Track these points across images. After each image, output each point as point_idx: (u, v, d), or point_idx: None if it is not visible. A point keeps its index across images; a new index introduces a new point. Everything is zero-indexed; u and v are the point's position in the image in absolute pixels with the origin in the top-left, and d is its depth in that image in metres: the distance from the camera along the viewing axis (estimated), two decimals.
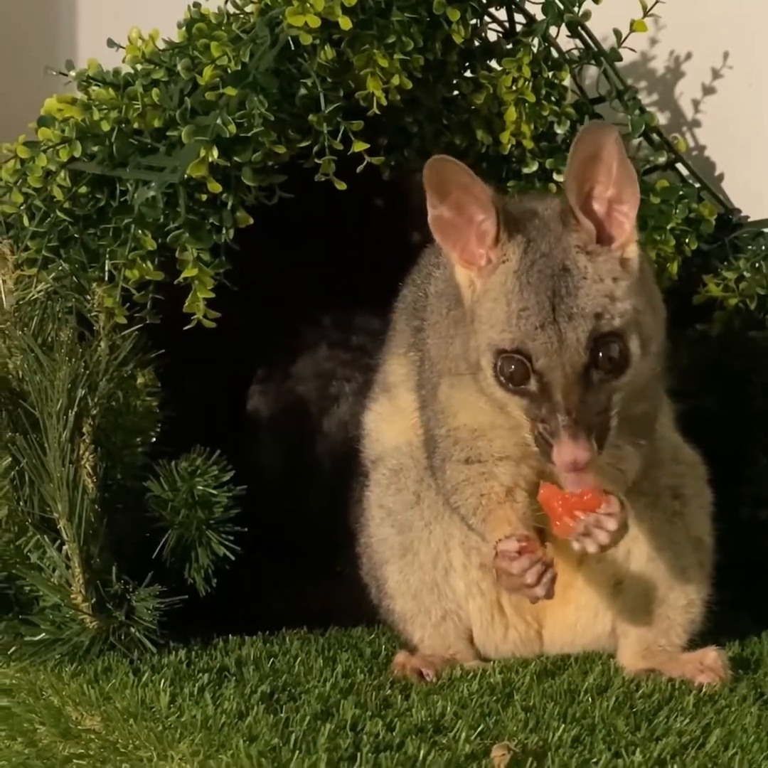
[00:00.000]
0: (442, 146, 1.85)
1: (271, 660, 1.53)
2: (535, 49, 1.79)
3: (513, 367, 1.26)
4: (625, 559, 1.52)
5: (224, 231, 1.57)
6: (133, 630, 1.55)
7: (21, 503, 1.54)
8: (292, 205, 1.68)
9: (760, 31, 2.03)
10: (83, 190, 1.63)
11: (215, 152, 1.49)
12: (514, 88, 1.79)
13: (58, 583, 1.53)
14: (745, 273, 1.89)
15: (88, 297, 1.63)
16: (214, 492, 1.58)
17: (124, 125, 1.56)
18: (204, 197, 1.57)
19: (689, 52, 2.14)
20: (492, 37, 1.90)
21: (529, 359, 1.25)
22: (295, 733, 1.19)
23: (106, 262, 1.58)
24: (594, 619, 1.55)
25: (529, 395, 1.26)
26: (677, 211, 1.88)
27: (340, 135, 1.62)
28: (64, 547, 1.52)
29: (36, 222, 1.63)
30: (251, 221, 1.60)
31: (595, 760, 1.13)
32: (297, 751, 1.12)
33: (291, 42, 1.58)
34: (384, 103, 1.66)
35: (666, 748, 1.16)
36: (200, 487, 1.58)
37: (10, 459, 1.53)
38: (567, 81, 1.90)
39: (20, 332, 1.55)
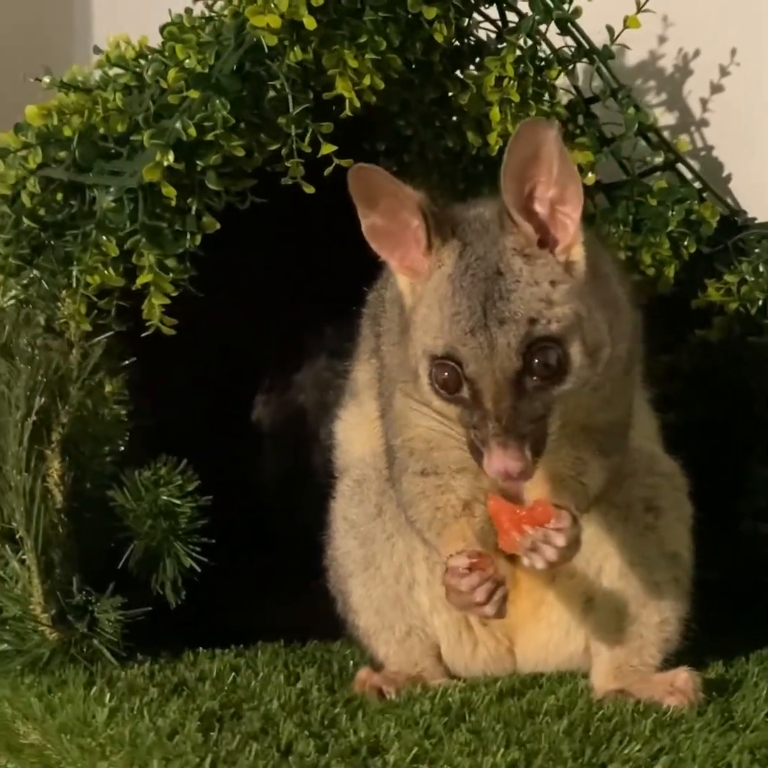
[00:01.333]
0: (441, 149, 1.82)
1: (233, 675, 1.50)
2: (521, 48, 1.73)
3: (446, 373, 1.21)
4: (596, 575, 1.46)
5: (189, 237, 1.53)
6: (95, 642, 1.52)
7: None
8: (294, 214, 1.66)
9: None
10: (58, 196, 1.61)
11: (171, 156, 1.46)
12: (498, 87, 1.73)
13: (20, 594, 1.51)
14: (747, 276, 1.81)
15: (59, 304, 1.61)
16: (178, 502, 1.56)
17: (86, 130, 1.53)
18: (172, 202, 1.54)
19: (698, 50, 2.06)
20: (485, 35, 1.85)
21: (460, 365, 1.20)
22: (220, 753, 1.16)
23: (74, 268, 1.55)
24: (566, 637, 1.49)
25: (462, 403, 1.21)
26: (674, 212, 1.81)
27: (308, 137, 1.58)
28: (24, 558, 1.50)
29: (7, 229, 1.61)
30: (218, 226, 1.57)
31: None
32: None
33: (260, 43, 1.55)
34: (357, 104, 1.62)
35: None
36: (164, 497, 1.55)
37: None
38: (560, 80, 1.85)
39: None
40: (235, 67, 1.54)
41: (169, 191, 1.47)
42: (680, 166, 1.89)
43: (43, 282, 1.60)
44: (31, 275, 1.63)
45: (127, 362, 1.65)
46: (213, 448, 1.99)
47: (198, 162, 1.52)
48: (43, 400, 1.51)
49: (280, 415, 2.17)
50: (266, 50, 1.56)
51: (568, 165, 1.20)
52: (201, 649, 1.63)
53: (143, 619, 1.60)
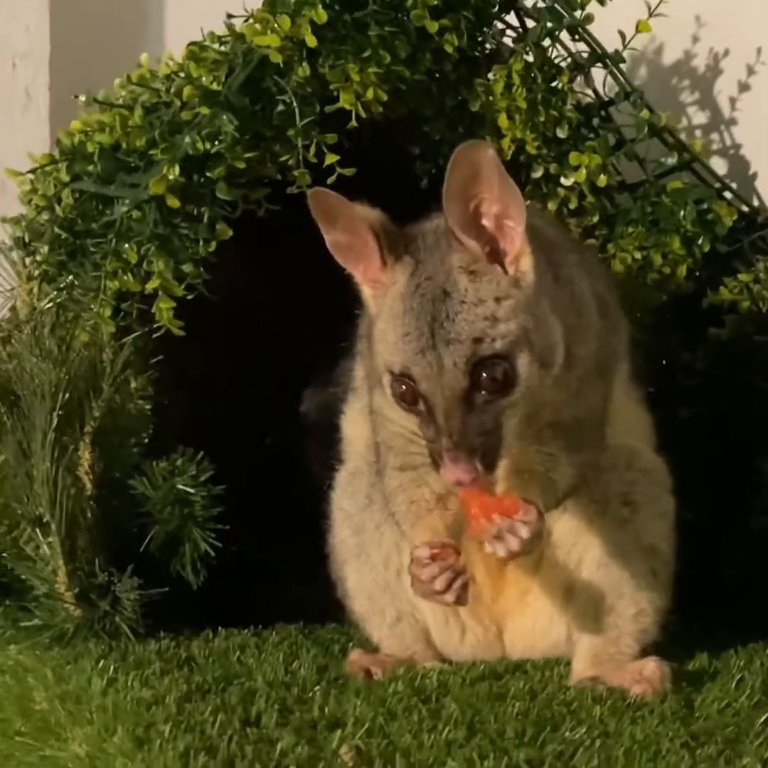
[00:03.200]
0: None
1: (238, 653, 1.60)
2: (528, 56, 1.79)
3: (403, 387, 1.29)
4: (576, 566, 1.52)
5: (201, 244, 1.64)
6: (116, 619, 1.65)
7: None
8: None
9: None
10: (89, 207, 1.74)
11: (176, 170, 1.57)
12: (506, 94, 1.80)
13: (48, 574, 1.64)
14: (761, 275, 1.83)
15: (92, 307, 1.74)
16: (192, 490, 1.67)
17: (111, 146, 1.65)
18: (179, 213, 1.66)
19: (727, 49, 2.08)
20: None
21: (414, 382, 1.27)
22: (188, 722, 1.26)
23: (102, 274, 1.68)
24: (550, 625, 1.55)
25: (420, 415, 1.29)
26: (685, 212, 1.84)
27: (312, 148, 1.67)
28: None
29: (45, 237, 1.75)
30: (230, 233, 1.67)
31: (451, 761, 1.14)
32: (161, 742, 1.18)
33: (267, 60, 1.65)
34: (363, 115, 1.71)
35: (528, 755, 1.17)
36: (179, 486, 1.67)
37: (3, 457, 1.65)
38: (577, 84, 1.90)
39: (19, 339, 1.67)
40: (243, 84, 1.63)
41: (174, 202, 1.58)
42: (698, 166, 1.92)
43: (75, 287, 1.72)
44: (67, 281, 1.75)
45: (154, 360, 1.76)
46: (261, 438, 2.12)
47: (208, 174, 1.62)
48: (67, 395, 1.62)
49: (322, 409, 2.25)
50: (274, 67, 1.66)
51: (508, 182, 1.26)
52: (220, 628, 1.73)
53: (175, 600, 1.72)
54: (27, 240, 1.79)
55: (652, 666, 1.44)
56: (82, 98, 1.79)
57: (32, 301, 1.78)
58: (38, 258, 1.76)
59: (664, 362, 1.95)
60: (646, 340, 1.98)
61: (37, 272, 1.78)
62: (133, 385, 1.73)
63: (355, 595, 1.60)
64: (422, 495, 1.45)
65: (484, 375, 1.26)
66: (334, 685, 1.45)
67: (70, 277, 1.75)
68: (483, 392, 1.26)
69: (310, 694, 1.40)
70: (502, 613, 1.57)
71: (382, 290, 1.33)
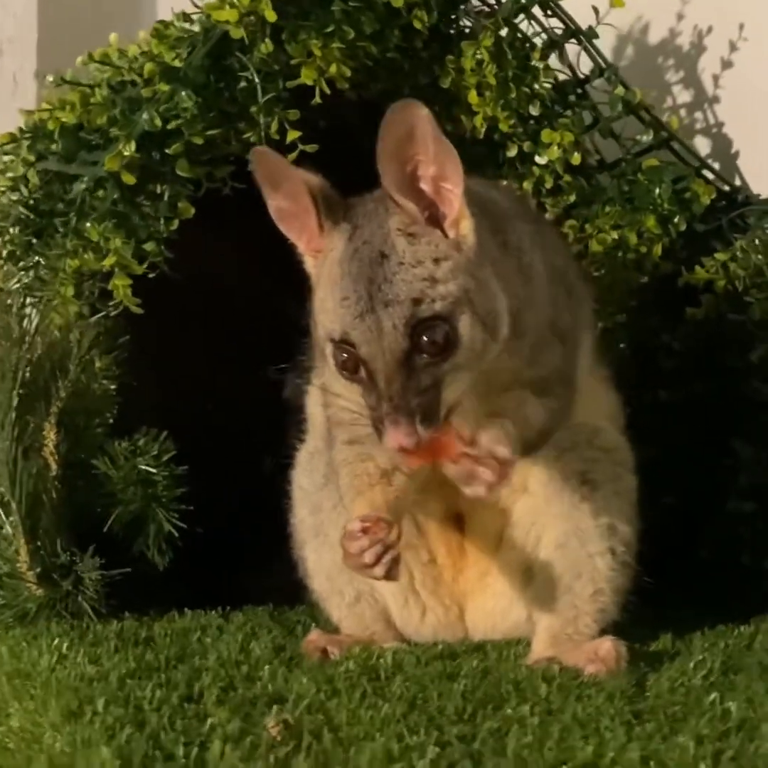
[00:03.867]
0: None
1: (198, 633, 1.59)
2: (497, 31, 1.77)
3: (345, 355, 1.26)
4: (534, 546, 1.50)
5: (163, 222, 1.63)
6: (79, 599, 1.64)
7: None
8: None
9: None
10: (55, 187, 1.73)
11: (132, 146, 1.56)
12: (476, 71, 1.77)
13: (9, 553, 1.64)
14: (737, 253, 1.80)
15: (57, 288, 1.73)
16: (154, 470, 1.66)
17: (73, 124, 1.65)
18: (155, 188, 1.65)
19: (710, 26, 2.05)
20: None
21: (355, 348, 1.25)
22: (126, 698, 1.25)
23: (62, 253, 1.67)
24: (510, 606, 1.53)
25: (361, 383, 1.27)
26: (661, 190, 1.81)
27: (274, 125, 1.66)
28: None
29: (12, 218, 1.75)
30: (192, 212, 1.66)
31: (380, 736, 1.12)
32: (92, 716, 1.17)
33: (228, 36, 1.63)
34: (327, 91, 1.69)
35: (461, 732, 1.15)
36: (141, 466, 1.66)
37: None
38: (552, 61, 1.87)
39: None
40: (206, 61, 1.62)
41: (129, 179, 1.57)
42: (678, 145, 1.89)
43: (41, 267, 1.71)
44: (34, 261, 1.75)
45: (121, 341, 1.75)
46: (247, 422, 2.10)
47: (167, 151, 1.61)
48: (28, 375, 1.62)
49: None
50: (237, 44, 1.64)
51: (443, 143, 1.24)
52: (186, 610, 1.72)
53: (144, 582, 1.72)
54: None
55: (607, 645, 1.41)
56: (51, 78, 1.77)
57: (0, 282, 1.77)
58: (6, 238, 1.75)
59: (644, 344, 1.93)
60: (627, 322, 1.96)
61: (4, 253, 1.77)
62: (98, 364, 1.72)
63: (314, 575, 1.59)
64: (366, 469, 1.43)
65: (425, 338, 1.23)
66: (285, 665, 1.44)
67: (37, 257, 1.73)
68: (424, 355, 1.23)
69: (259, 673, 1.38)
70: (463, 593, 1.55)
71: (321, 258, 1.31)
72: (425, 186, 1.26)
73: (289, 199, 1.30)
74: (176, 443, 1.74)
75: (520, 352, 1.35)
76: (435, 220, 1.27)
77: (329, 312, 1.27)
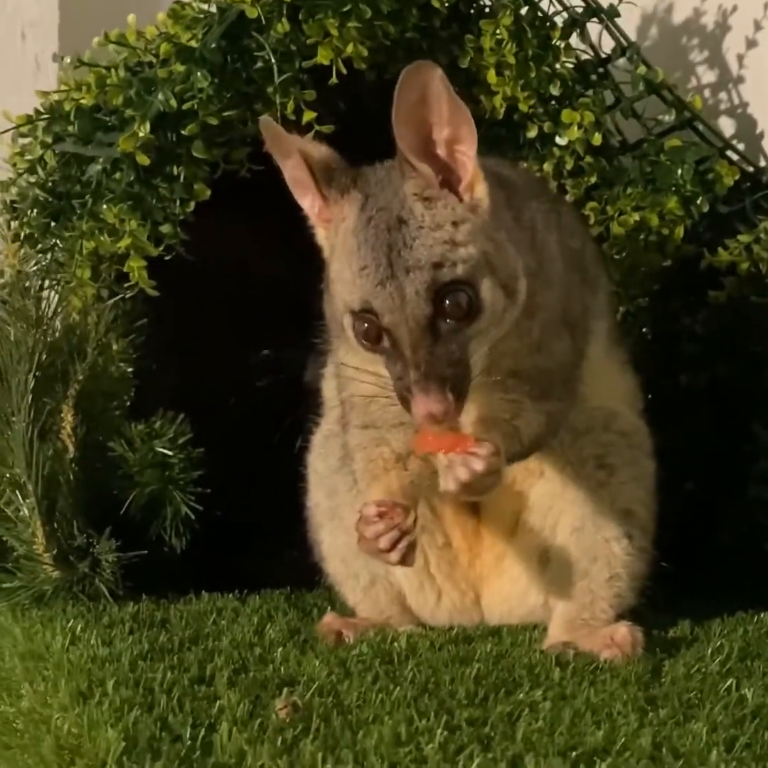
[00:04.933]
0: None
1: (213, 616, 1.59)
2: (516, 10, 1.74)
3: (366, 325, 1.24)
4: (551, 531, 1.49)
5: (178, 204, 1.63)
6: (96, 581, 1.64)
7: None
8: None
9: None
10: (72, 169, 1.72)
11: (147, 127, 1.55)
12: (496, 51, 1.75)
13: (26, 535, 1.64)
14: (761, 236, 1.77)
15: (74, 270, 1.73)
16: (171, 453, 1.65)
17: (90, 105, 1.64)
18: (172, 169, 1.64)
19: (735, 5, 2.01)
20: None
21: (377, 316, 1.23)
22: (138, 679, 1.25)
23: (78, 234, 1.66)
24: (526, 591, 1.52)
25: (385, 352, 1.25)
26: (682, 171, 1.78)
27: (291, 105, 1.65)
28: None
29: (29, 201, 1.74)
30: (208, 194, 1.65)
31: (389, 720, 1.12)
32: (101, 697, 1.16)
33: (245, 16, 1.62)
34: (344, 71, 1.68)
35: (472, 716, 1.14)
36: (158, 449, 1.65)
37: None
38: (573, 40, 1.85)
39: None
40: (219, 41, 1.61)
41: (143, 160, 1.56)
42: (701, 125, 1.86)
43: (58, 249, 1.71)
44: (52, 243, 1.74)
45: (138, 324, 1.75)
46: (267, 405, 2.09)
47: (183, 132, 1.60)
48: (45, 357, 1.62)
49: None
50: (254, 24, 1.63)
51: (457, 105, 1.22)
52: (204, 593, 1.71)
53: (164, 564, 1.72)
54: (12, 203, 1.78)
55: (623, 631, 1.40)
56: (68, 60, 1.77)
57: (17, 264, 1.77)
58: (23, 221, 1.74)
59: (666, 327, 1.90)
60: (649, 306, 1.94)
61: (22, 235, 1.77)
62: (115, 347, 1.72)
63: (330, 558, 1.58)
64: (381, 454, 1.41)
65: (448, 302, 1.21)
66: (299, 648, 1.43)
67: (54, 239, 1.73)
68: (448, 320, 1.22)
69: (272, 656, 1.38)
70: (479, 577, 1.54)
71: (332, 228, 1.29)
72: (439, 150, 1.25)
73: (299, 168, 1.29)
74: (194, 426, 1.73)
75: (530, 333, 1.34)
76: (449, 184, 1.26)
77: (348, 283, 1.25)
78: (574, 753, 1.03)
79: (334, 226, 1.29)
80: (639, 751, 1.04)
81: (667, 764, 1.01)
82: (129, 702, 1.15)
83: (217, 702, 1.17)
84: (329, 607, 1.63)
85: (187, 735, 1.07)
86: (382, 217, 1.24)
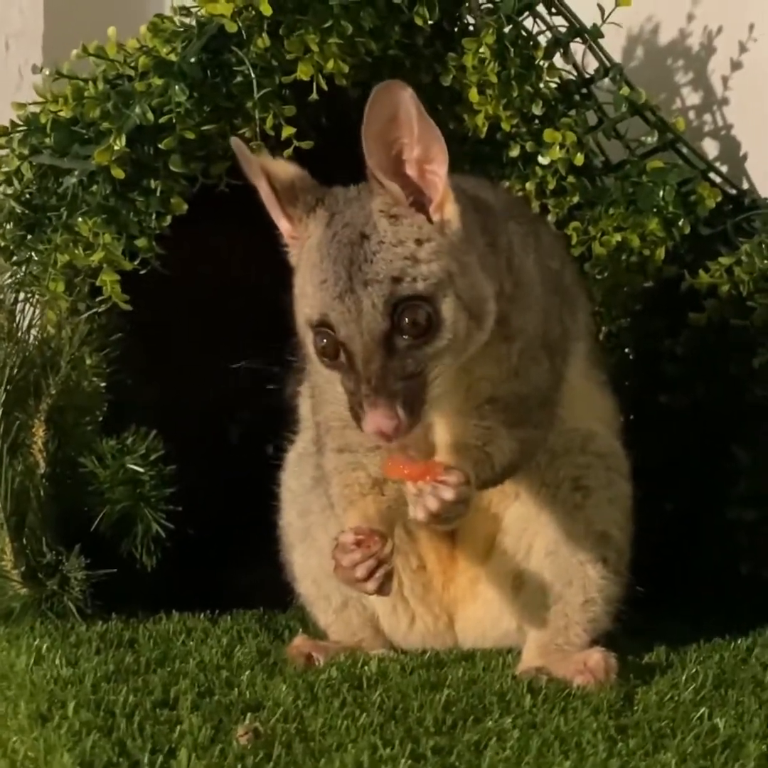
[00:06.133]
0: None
1: (182, 637, 1.56)
2: (499, 29, 1.73)
3: (324, 340, 1.23)
4: (526, 554, 1.47)
5: (154, 218, 1.61)
6: (65, 599, 1.62)
7: None
8: None
9: None
10: (49, 182, 1.71)
11: (122, 140, 1.54)
12: (479, 69, 1.74)
13: None
14: (742, 257, 1.76)
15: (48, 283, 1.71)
16: (142, 470, 1.63)
17: (67, 118, 1.63)
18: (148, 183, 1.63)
19: (720, 27, 2.01)
20: None
21: (333, 331, 1.22)
22: (99, 700, 1.23)
23: (52, 247, 1.65)
24: (500, 615, 1.50)
25: (341, 368, 1.23)
26: (664, 192, 1.77)
27: (270, 121, 1.63)
28: None
29: (4, 213, 1.73)
30: (185, 208, 1.64)
31: (352, 748, 1.09)
32: (60, 720, 1.14)
33: (224, 30, 1.61)
34: (324, 87, 1.67)
35: (438, 744, 1.11)
36: (129, 465, 1.63)
37: None
38: (557, 60, 1.84)
39: None
40: (198, 54, 1.60)
41: (118, 173, 1.55)
42: (683, 147, 1.85)
43: (33, 262, 1.69)
44: (27, 256, 1.73)
45: (113, 337, 1.73)
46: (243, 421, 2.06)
47: (160, 146, 1.59)
48: (16, 372, 1.60)
49: None
50: (233, 38, 1.62)
51: (428, 124, 1.21)
52: (174, 612, 1.69)
53: (136, 583, 1.70)
54: None
55: (596, 657, 1.38)
56: (47, 72, 1.75)
57: None
58: (0, 233, 1.72)
59: (647, 349, 1.89)
60: (631, 326, 1.93)
61: None
62: (88, 362, 1.69)
63: (302, 579, 1.56)
64: (357, 479, 1.38)
65: (406, 319, 1.19)
66: (267, 671, 1.41)
67: (29, 252, 1.71)
68: (405, 336, 1.20)
69: (239, 679, 1.35)
70: (453, 601, 1.52)
71: (298, 245, 1.28)
72: (410, 170, 1.23)
73: (264, 188, 1.28)
74: (168, 443, 1.71)
75: (508, 358, 1.32)
76: (420, 205, 1.24)
77: (308, 296, 1.24)
78: None
79: (301, 243, 1.27)
80: None
81: None
82: (88, 725, 1.13)
83: (178, 727, 1.14)
84: (301, 629, 1.61)
85: (145, 760, 1.05)
86: (345, 232, 1.22)
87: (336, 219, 1.24)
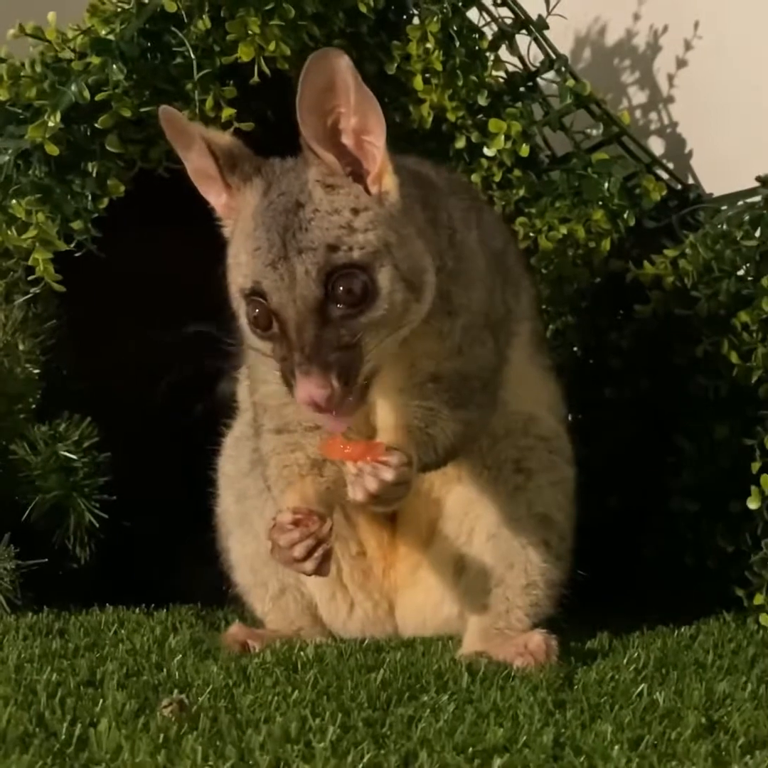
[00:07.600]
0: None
1: (114, 627, 1.51)
2: (446, 16, 1.72)
3: (257, 310, 1.20)
4: (467, 538, 1.44)
5: (90, 199, 1.58)
6: None
7: None
8: None
9: None
10: None
11: (57, 116, 1.51)
12: (422, 57, 1.73)
13: None
14: (687, 250, 1.75)
15: None
16: (75, 457, 1.59)
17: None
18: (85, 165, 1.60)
19: (666, 26, 2.01)
20: None
21: (266, 299, 1.19)
22: (21, 683, 1.18)
23: None
24: (441, 601, 1.47)
25: (274, 338, 1.20)
26: (609, 184, 1.77)
27: (209, 102, 1.61)
28: None
29: None
30: (122, 189, 1.61)
31: (280, 718, 1.05)
32: None
33: (165, 11, 1.59)
34: (266, 70, 1.64)
35: (370, 717, 1.08)
36: (61, 452, 1.59)
37: None
38: (502, 52, 1.83)
39: None
40: (136, 34, 1.57)
41: (52, 150, 1.52)
42: (630, 142, 1.85)
43: None
44: None
45: (48, 324, 1.69)
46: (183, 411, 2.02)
47: (96, 125, 1.56)
48: None
49: None
50: (174, 19, 1.60)
51: (365, 93, 1.18)
52: (108, 605, 1.64)
53: (71, 577, 1.65)
54: None
55: (537, 639, 1.35)
56: None
57: None
58: None
59: (593, 343, 1.88)
60: (577, 323, 1.92)
61: None
62: (21, 348, 1.65)
63: (238, 567, 1.52)
64: (296, 460, 1.35)
65: (341, 287, 1.17)
66: (200, 656, 1.36)
67: None
68: (339, 305, 1.17)
69: (169, 663, 1.31)
70: (393, 588, 1.49)
71: (234, 215, 1.25)
72: (347, 140, 1.21)
73: (201, 157, 1.24)
74: (105, 431, 1.67)
75: (451, 335, 1.30)
76: (357, 176, 1.22)
77: (242, 265, 1.21)
78: (471, 749, 0.98)
79: (236, 212, 1.24)
80: (540, 748, 0.99)
81: (568, 761, 0.96)
82: (5, 699, 1.08)
83: (102, 702, 1.10)
84: (237, 620, 1.56)
85: (64, 731, 1.01)
86: (281, 201, 1.20)
87: (272, 188, 1.21)
